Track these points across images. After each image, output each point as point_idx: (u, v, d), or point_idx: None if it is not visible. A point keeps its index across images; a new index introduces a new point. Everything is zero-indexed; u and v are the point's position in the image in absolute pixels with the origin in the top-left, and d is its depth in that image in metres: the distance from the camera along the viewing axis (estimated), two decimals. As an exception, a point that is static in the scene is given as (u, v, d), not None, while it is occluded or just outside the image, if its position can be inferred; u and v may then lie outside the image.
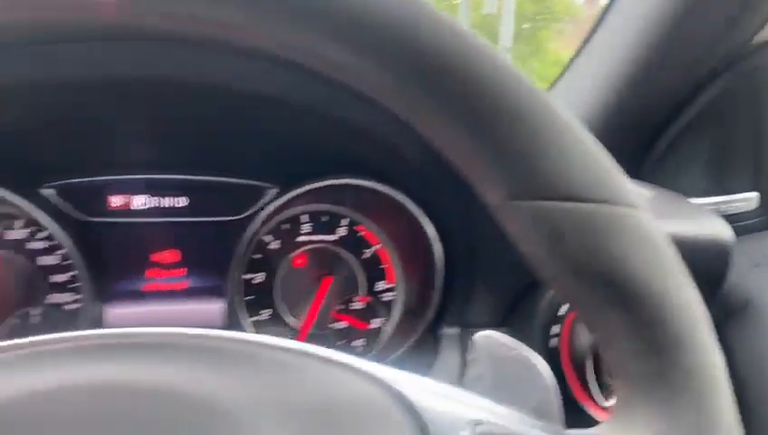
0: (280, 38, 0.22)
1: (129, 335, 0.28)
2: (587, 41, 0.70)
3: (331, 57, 0.22)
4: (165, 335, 0.28)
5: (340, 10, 0.21)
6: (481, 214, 0.32)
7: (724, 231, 0.54)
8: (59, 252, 0.55)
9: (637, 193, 0.25)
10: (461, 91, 0.22)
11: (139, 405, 0.23)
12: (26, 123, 0.50)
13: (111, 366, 0.26)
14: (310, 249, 0.61)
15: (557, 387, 0.30)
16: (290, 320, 0.61)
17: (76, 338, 0.27)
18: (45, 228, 0.53)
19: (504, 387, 0.32)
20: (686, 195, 0.65)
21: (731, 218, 0.63)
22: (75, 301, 0.55)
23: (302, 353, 0.28)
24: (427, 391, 0.27)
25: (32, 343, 0.27)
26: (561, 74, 0.73)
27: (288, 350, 0.28)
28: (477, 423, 0.25)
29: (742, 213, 0.66)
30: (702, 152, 0.67)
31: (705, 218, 0.55)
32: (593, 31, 0.69)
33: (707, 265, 0.53)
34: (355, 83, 0.23)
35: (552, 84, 0.75)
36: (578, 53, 0.71)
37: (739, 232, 0.61)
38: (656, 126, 0.67)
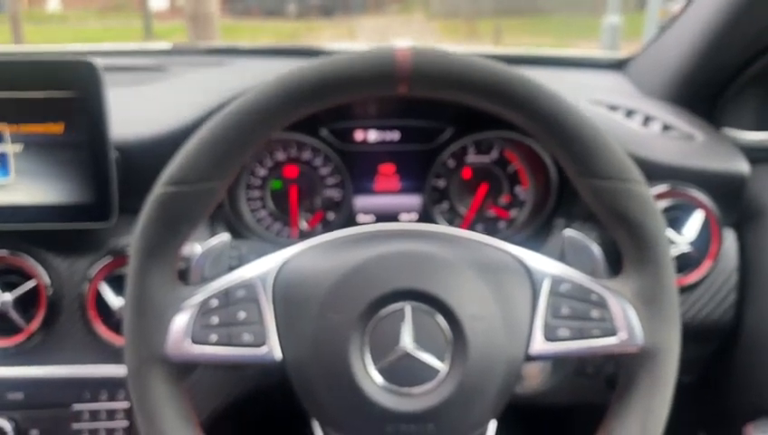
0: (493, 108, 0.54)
1: (401, 228, 0.63)
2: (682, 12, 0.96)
3: (513, 117, 0.55)
4: (416, 228, 0.62)
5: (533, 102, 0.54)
6: None
7: (743, 167, 0.82)
8: (330, 165, 0.95)
9: (639, 171, 0.56)
10: (552, 121, 0.54)
11: (408, 257, 0.57)
12: None
13: (396, 242, 0.61)
14: (474, 166, 0.96)
15: (603, 259, 0.62)
16: (460, 209, 0.97)
17: (378, 229, 0.64)
18: (323, 152, 0.93)
19: (574, 260, 0.63)
20: (745, 128, 0.92)
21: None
22: (339, 195, 0.96)
23: (472, 239, 0.62)
24: (533, 258, 0.59)
25: (359, 230, 0.63)
26: (657, 37, 1.01)
27: (467, 237, 0.61)
28: (555, 275, 0.58)
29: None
30: (760, 97, 0.93)
31: (733, 158, 0.84)
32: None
33: (728, 188, 0.83)
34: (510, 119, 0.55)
35: (650, 44, 1.02)
36: (672, 22, 0.98)
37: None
38: (727, 77, 0.93)
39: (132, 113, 0.87)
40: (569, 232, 0.64)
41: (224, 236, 0.64)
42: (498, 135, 0.92)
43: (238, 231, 0.92)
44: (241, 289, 0.56)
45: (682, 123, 0.92)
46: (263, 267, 0.58)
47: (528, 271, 0.58)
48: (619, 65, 1.21)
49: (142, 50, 1.34)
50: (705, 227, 0.84)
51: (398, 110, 0.92)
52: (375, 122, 0.93)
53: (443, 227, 0.61)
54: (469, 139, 0.92)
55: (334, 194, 0.96)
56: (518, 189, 0.97)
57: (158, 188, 0.54)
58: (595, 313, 0.56)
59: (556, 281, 0.57)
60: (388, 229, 0.61)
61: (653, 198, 0.56)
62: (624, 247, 0.57)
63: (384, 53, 0.53)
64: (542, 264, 0.58)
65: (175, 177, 0.54)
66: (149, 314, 0.55)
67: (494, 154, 0.96)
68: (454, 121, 0.92)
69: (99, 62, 0.76)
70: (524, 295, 0.57)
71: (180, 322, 0.55)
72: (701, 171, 0.84)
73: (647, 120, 0.94)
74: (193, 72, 1.10)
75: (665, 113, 0.95)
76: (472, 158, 0.96)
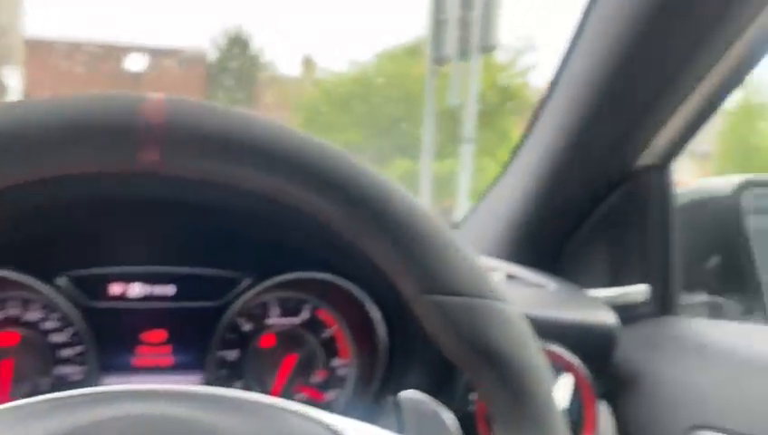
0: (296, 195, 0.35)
1: (154, 388, 0.39)
2: (508, 164, 0.87)
3: (316, 206, 0.35)
4: (177, 389, 0.39)
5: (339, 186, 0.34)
6: None
7: (609, 318, 0.67)
8: (68, 330, 0.66)
9: (502, 289, 0.38)
10: (385, 223, 0.36)
11: (154, 426, 0.35)
12: (47, 226, 0.63)
13: (136, 404, 0.37)
14: (277, 331, 0.72)
15: (460, 432, 0.42)
16: (257, 392, 0.71)
17: (113, 389, 0.39)
18: (59, 311, 0.65)
19: (418, 432, 0.43)
20: (589, 287, 0.79)
21: (627, 307, 0.76)
22: (79, 373, 0.66)
23: (275, 405, 0.39)
24: (359, 430, 0.38)
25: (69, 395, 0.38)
26: (489, 190, 0.90)
27: (266, 403, 0.39)
28: None
29: (636, 303, 0.80)
30: (602, 253, 0.82)
31: (595, 308, 0.69)
32: (511, 160, 0.86)
33: (595, 345, 0.66)
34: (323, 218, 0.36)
35: (483, 197, 0.92)
36: (502, 174, 0.88)
37: (633, 318, 0.76)
38: (565, 231, 0.82)
39: None
40: (408, 394, 0.42)
41: None
42: (309, 277, 0.70)
43: None
44: None
45: (527, 273, 0.78)
46: None
47: None
48: None
49: None
50: (576, 395, 0.65)
51: (176, 252, 0.69)
52: (140, 270, 0.68)
53: (222, 390, 0.38)
54: (271, 285, 0.69)
55: (70, 372, 0.66)
56: (336, 362, 0.74)
57: None
58: None
59: None
60: (129, 390, 0.36)
61: (529, 324, 0.37)
62: (491, 400, 0.37)
63: (124, 98, 0.33)
64: None
65: None
66: None
67: (305, 314, 0.73)
68: (252, 268, 0.70)
69: None
70: None
71: None
72: (561, 323, 0.68)
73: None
74: None
75: (505, 265, 0.81)
76: (274, 319, 0.72)
